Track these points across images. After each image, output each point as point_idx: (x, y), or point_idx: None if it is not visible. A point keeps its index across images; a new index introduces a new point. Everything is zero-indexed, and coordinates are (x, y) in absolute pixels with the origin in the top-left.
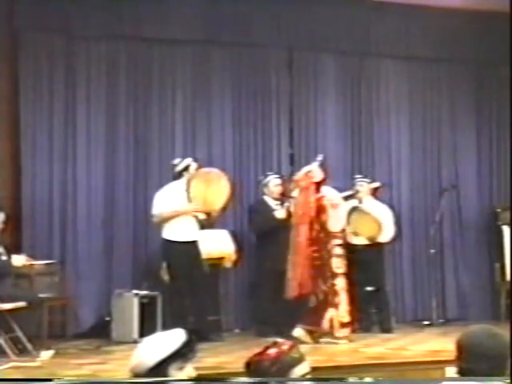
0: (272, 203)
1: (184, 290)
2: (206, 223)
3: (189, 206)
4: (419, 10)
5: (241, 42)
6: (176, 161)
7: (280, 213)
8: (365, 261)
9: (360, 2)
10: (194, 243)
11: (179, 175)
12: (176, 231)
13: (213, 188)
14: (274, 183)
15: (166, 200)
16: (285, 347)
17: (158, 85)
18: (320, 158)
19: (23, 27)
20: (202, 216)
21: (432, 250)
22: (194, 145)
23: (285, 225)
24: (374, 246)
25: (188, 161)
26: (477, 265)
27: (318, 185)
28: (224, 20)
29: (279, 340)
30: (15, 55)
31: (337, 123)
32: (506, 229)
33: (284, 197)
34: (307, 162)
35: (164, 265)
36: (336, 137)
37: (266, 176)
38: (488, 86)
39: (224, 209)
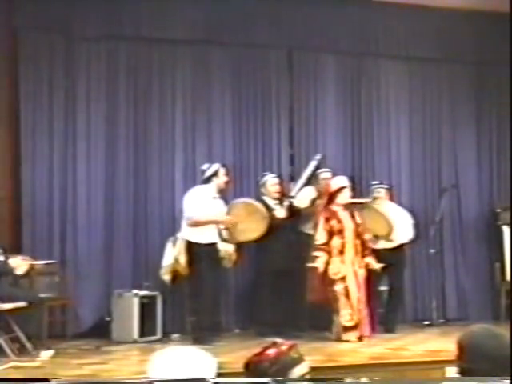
0: (271, 203)
1: (204, 290)
2: (225, 240)
3: (223, 218)
4: (419, 10)
5: (241, 42)
6: (205, 166)
7: (280, 212)
8: (387, 264)
9: (360, 1)
10: (215, 245)
11: (208, 180)
12: (199, 233)
13: (251, 220)
14: (271, 183)
15: (200, 205)
16: (284, 347)
17: (157, 85)
18: (318, 156)
19: (23, 27)
20: (226, 235)
21: (432, 250)
22: (194, 144)
23: (284, 224)
24: (396, 250)
25: (216, 166)
26: (477, 265)
27: (333, 195)
28: (224, 20)
29: (278, 340)
30: (15, 55)
31: (337, 123)
32: (506, 229)
33: (283, 196)
34: (307, 162)
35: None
36: (336, 137)
37: (263, 176)
38: (488, 86)
39: (251, 242)
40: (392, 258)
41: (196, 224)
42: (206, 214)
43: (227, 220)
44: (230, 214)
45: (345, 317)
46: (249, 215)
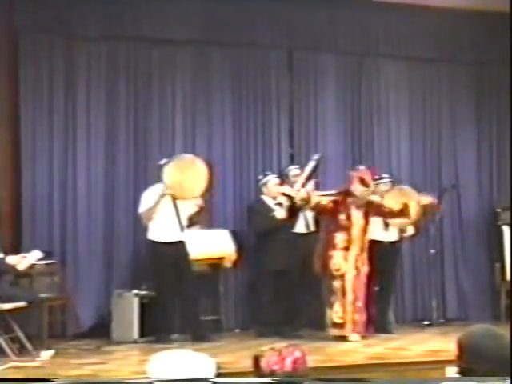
0: (271, 203)
1: (172, 292)
2: (198, 217)
3: (165, 191)
4: (419, 10)
5: (241, 42)
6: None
7: (280, 213)
8: (379, 258)
9: (360, 1)
10: (179, 243)
11: (158, 178)
12: (160, 232)
13: (188, 174)
14: (272, 183)
15: (148, 199)
16: (298, 354)
17: (157, 85)
18: (316, 156)
19: (23, 27)
20: (193, 209)
21: (432, 250)
22: (193, 145)
23: (285, 225)
24: (388, 249)
25: (164, 161)
26: (477, 265)
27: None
28: (224, 20)
29: (282, 344)
30: (15, 55)
31: (337, 123)
32: (506, 229)
33: (283, 196)
34: (307, 162)
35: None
36: (336, 137)
37: (264, 175)
38: (488, 86)
39: (205, 194)
40: (384, 257)
41: (147, 217)
42: (146, 205)
43: (167, 192)
44: (167, 182)
45: (337, 313)
46: (183, 171)
